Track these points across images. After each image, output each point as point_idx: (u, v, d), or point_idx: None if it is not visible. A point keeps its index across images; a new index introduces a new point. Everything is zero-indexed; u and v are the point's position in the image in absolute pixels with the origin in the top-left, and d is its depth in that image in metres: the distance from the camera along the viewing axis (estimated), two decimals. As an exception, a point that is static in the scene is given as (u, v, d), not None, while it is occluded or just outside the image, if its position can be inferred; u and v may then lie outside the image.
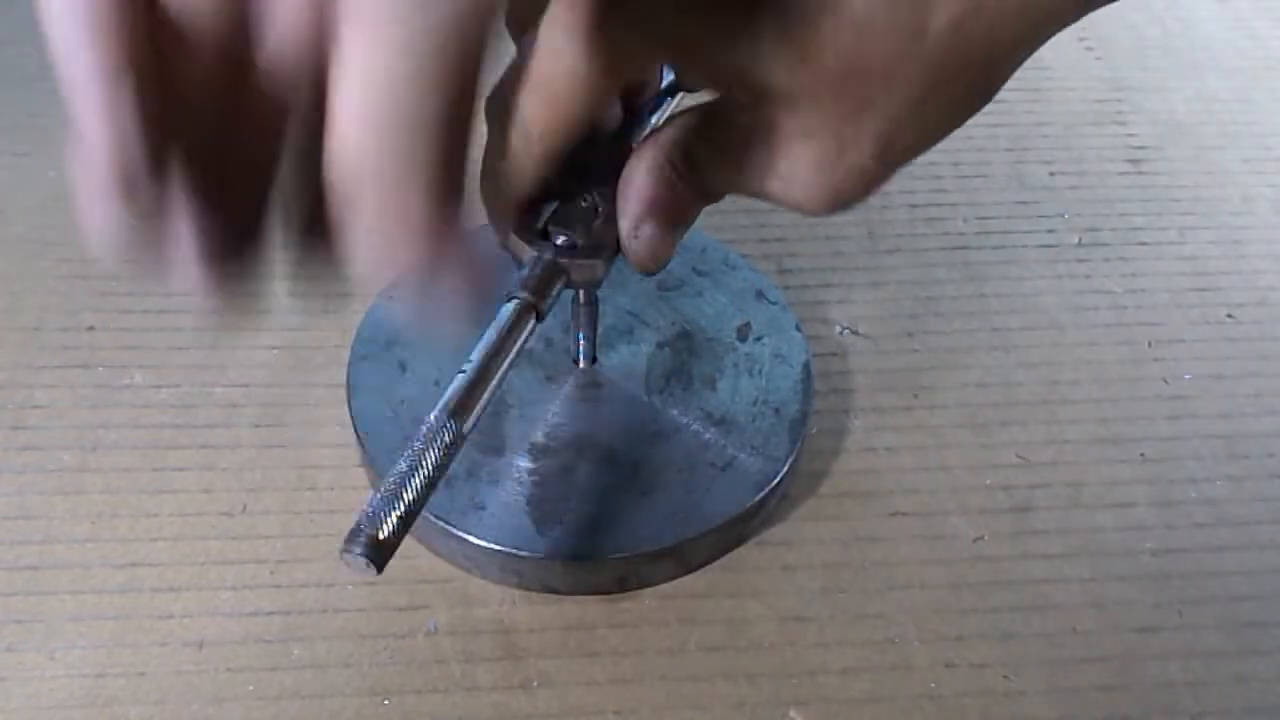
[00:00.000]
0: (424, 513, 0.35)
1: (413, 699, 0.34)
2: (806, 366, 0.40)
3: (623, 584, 0.36)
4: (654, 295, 0.42)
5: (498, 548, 0.35)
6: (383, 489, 0.26)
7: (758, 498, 0.37)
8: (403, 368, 0.39)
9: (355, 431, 0.38)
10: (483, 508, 0.36)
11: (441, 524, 0.35)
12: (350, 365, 0.39)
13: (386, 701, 0.34)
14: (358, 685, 0.34)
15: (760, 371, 0.40)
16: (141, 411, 0.40)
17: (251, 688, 0.34)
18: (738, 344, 0.41)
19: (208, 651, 0.34)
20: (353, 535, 0.25)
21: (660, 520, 0.36)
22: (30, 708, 0.33)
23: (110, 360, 0.42)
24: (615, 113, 0.32)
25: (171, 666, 0.34)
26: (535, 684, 0.34)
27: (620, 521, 0.36)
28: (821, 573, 0.37)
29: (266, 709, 0.33)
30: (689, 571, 0.37)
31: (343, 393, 0.39)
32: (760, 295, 0.43)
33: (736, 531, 0.37)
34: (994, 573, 0.38)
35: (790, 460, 0.38)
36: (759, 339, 0.41)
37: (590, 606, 0.36)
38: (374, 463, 0.37)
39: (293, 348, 0.43)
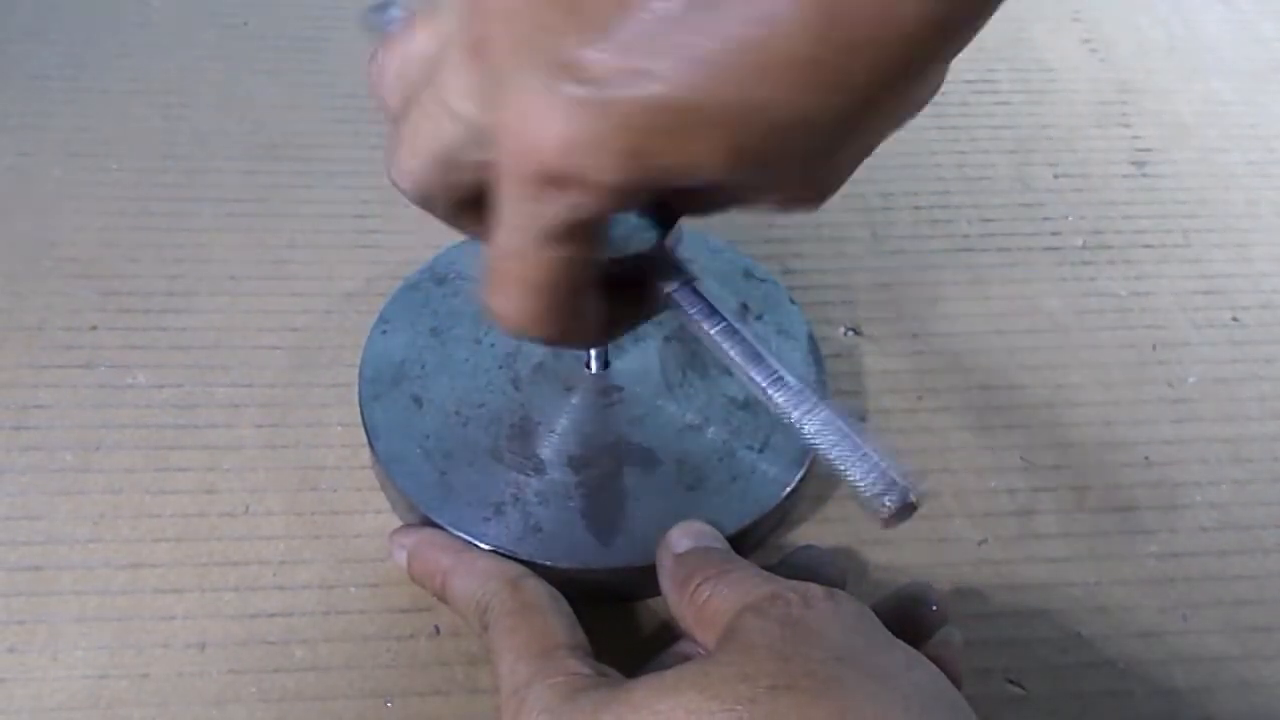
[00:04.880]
0: (478, 544, 0.35)
1: (415, 701, 0.34)
2: (810, 337, 0.41)
3: None
4: None
5: (566, 566, 0.34)
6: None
7: (803, 470, 0.37)
8: (418, 402, 0.38)
9: (388, 475, 0.37)
10: (540, 530, 0.35)
11: (505, 554, 0.35)
12: (363, 407, 0.38)
13: (389, 704, 0.34)
14: (360, 687, 0.34)
15: (769, 348, 0.40)
16: (144, 412, 0.40)
17: (254, 689, 0.34)
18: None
19: (210, 653, 0.34)
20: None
21: (715, 510, 0.36)
22: (33, 709, 0.33)
23: (113, 360, 0.42)
24: None
25: (174, 668, 0.34)
26: (538, 686, 0.34)
27: (678, 518, 0.35)
28: (825, 576, 0.37)
29: (269, 711, 0.33)
30: (745, 556, 0.37)
31: (345, 393, 0.39)
32: (749, 274, 0.43)
33: (786, 508, 0.37)
34: (998, 576, 0.37)
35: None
36: (759, 317, 0.41)
37: (591, 611, 0.36)
38: (415, 501, 0.36)
39: (295, 348, 0.43)
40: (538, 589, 0.32)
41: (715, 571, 0.31)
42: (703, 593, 0.30)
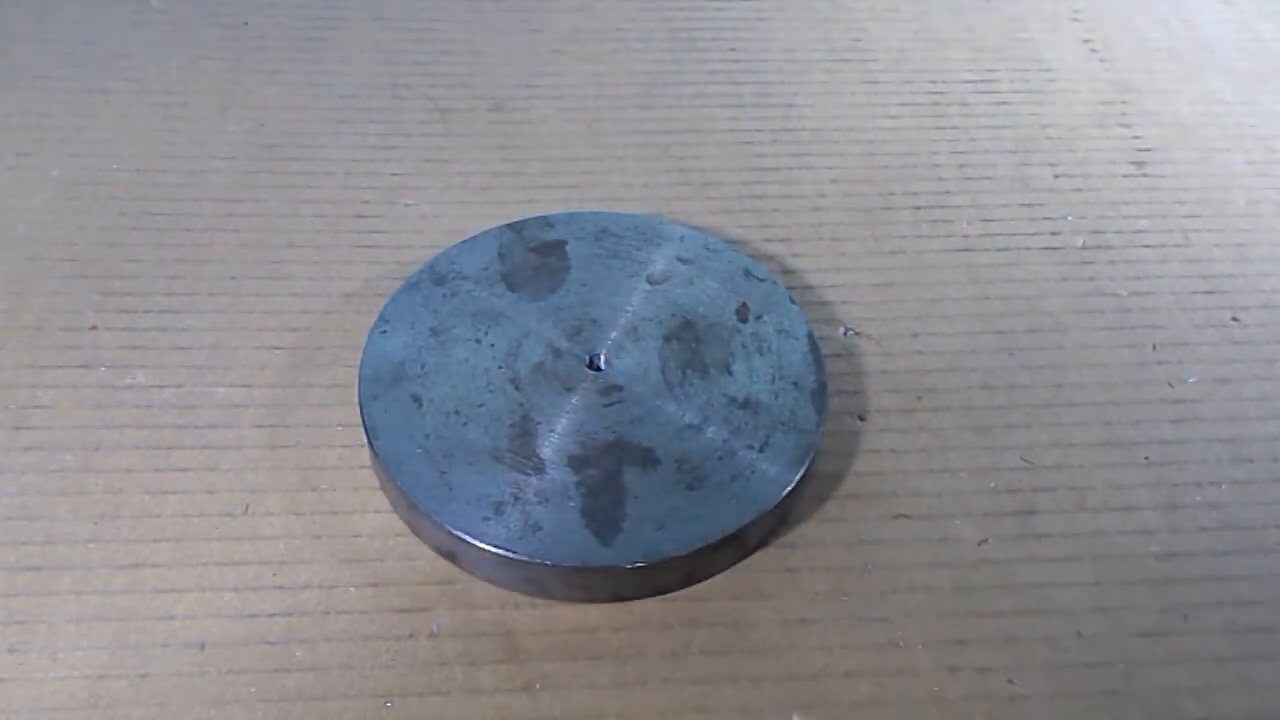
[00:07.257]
0: (478, 543, 0.35)
1: (415, 701, 0.34)
2: (811, 337, 0.41)
3: (687, 579, 0.36)
4: (646, 291, 0.42)
5: (566, 566, 0.34)
6: None
7: (803, 470, 0.37)
8: (418, 402, 0.38)
9: (388, 475, 0.37)
10: (539, 529, 0.35)
11: (504, 553, 0.35)
12: (363, 407, 0.38)
13: (389, 704, 0.34)
14: (360, 687, 0.34)
15: (769, 349, 0.40)
16: (144, 412, 0.40)
17: (254, 690, 0.34)
18: (740, 325, 0.41)
19: (210, 653, 0.34)
20: None
21: (714, 510, 0.36)
22: (32, 709, 0.33)
23: (113, 360, 0.42)
24: None
25: (174, 668, 0.34)
26: (537, 686, 0.34)
27: (677, 517, 0.35)
28: (825, 576, 0.37)
29: (269, 711, 0.33)
30: (745, 556, 0.37)
31: (345, 393, 0.39)
32: (749, 274, 0.43)
33: (786, 508, 0.37)
34: (998, 576, 0.37)
35: (820, 429, 0.38)
36: (759, 317, 0.41)
37: (592, 610, 0.36)
38: (416, 500, 0.36)
39: (295, 348, 0.43)
40: None
41: None
42: None
